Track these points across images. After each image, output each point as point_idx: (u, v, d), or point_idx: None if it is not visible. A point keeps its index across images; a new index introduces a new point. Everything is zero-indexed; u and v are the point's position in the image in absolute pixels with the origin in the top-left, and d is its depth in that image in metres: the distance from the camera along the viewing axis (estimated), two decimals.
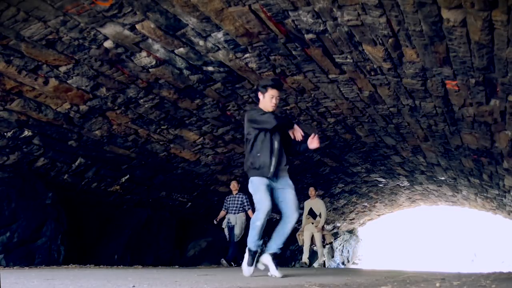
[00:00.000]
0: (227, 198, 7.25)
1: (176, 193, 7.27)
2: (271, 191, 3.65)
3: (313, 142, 3.77)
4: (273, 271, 3.50)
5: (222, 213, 7.18)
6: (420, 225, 20.50)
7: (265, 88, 3.57)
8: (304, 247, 8.01)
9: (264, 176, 3.56)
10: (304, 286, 2.72)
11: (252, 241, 3.58)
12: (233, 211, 7.09)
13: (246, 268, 3.61)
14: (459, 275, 4.38)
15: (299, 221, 6.60)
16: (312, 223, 7.81)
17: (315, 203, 7.88)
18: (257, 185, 3.58)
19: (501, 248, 17.79)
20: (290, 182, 3.73)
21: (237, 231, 7.00)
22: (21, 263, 4.84)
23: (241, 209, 7.06)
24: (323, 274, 4.39)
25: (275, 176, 3.62)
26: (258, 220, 3.55)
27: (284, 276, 3.52)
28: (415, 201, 12.28)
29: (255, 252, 3.61)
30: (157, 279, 3.18)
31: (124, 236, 6.49)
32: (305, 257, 7.95)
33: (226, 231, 7.17)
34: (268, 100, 3.56)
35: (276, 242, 3.63)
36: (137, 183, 6.52)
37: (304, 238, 8.05)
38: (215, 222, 7.09)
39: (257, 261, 3.65)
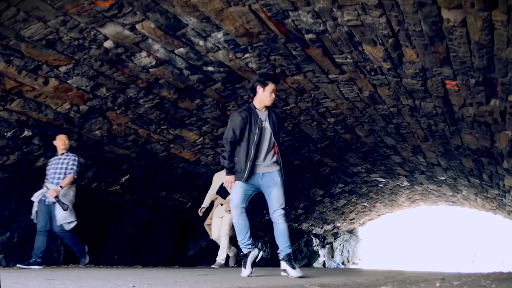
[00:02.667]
0: (49, 161, 4.99)
1: (176, 193, 7.27)
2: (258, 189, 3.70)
3: None
4: (291, 272, 3.46)
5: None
6: (420, 225, 20.51)
7: (265, 82, 3.61)
8: (218, 241, 5.90)
9: (241, 181, 3.63)
10: (304, 286, 2.72)
11: (240, 243, 3.64)
12: (54, 180, 4.83)
13: (242, 269, 3.65)
14: (459, 275, 4.38)
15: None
16: (222, 204, 5.70)
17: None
18: (235, 187, 3.66)
19: (501, 248, 17.80)
20: (276, 178, 3.62)
21: (59, 214, 4.70)
22: (21, 263, 4.83)
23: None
24: (323, 274, 4.39)
25: (261, 175, 3.63)
26: (232, 218, 3.67)
27: (302, 277, 3.41)
28: (415, 201, 12.28)
29: (246, 254, 3.62)
30: (157, 279, 3.18)
31: (124, 236, 6.48)
32: (222, 256, 5.86)
33: (35, 211, 4.79)
34: (268, 94, 3.62)
35: (280, 245, 3.60)
36: (137, 183, 6.51)
37: (213, 227, 5.82)
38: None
39: (254, 263, 3.66)
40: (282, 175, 3.66)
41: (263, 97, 3.63)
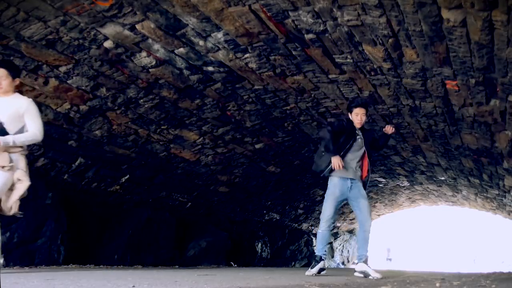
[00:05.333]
0: None
1: (176, 193, 7.26)
2: (345, 200, 4.28)
3: (388, 129, 4.37)
4: (373, 273, 3.93)
5: None
6: (420, 225, 20.53)
7: (350, 109, 4.28)
8: None
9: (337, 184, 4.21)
10: (304, 286, 2.72)
11: (317, 249, 4.26)
12: None
13: (309, 270, 4.19)
14: (459, 275, 4.38)
15: None
16: None
17: (10, 103, 3.36)
18: (327, 194, 4.24)
19: (501, 248, 17.81)
20: (363, 192, 4.25)
21: None
22: (21, 263, 4.83)
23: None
24: (323, 274, 4.39)
25: (350, 187, 4.20)
26: (319, 228, 4.22)
27: (383, 278, 3.89)
28: (415, 201, 12.28)
29: (319, 257, 4.17)
30: (157, 279, 3.18)
31: (124, 236, 6.48)
32: None
33: None
34: (354, 118, 4.24)
35: (362, 249, 4.16)
36: (137, 183, 6.51)
37: None
38: None
39: (320, 268, 4.19)
40: (365, 187, 4.30)
41: (353, 120, 4.25)
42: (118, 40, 3.93)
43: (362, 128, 4.31)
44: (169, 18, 3.63)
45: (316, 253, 4.23)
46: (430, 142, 6.54)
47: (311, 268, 4.18)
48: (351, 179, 4.20)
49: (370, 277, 3.88)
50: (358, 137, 4.25)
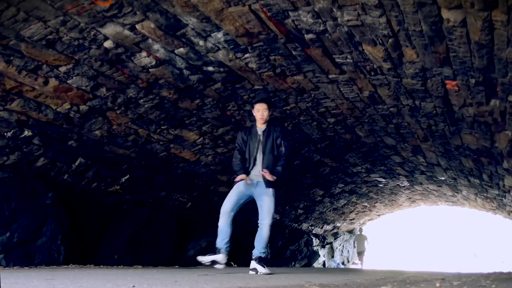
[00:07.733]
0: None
1: (176, 193, 7.27)
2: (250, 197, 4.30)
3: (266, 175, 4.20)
4: (260, 269, 4.02)
5: None
6: (420, 225, 20.55)
7: (252, 105, 4.39)
8: None
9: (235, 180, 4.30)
10: (304, 286, 2.72)
11: (216, 240, 4.20)
12: None
13: (202, 256, 4.17)
14: (459, 275, 4.38)
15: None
16: None
17: None
18: (231, 190, 4.32)
19: (501, 248, 17.82)
20: (265, 189, 4.18)
21: None
22: (21, 263, 4.84)
23: None
24: (323, 274, 4.40)
25: (255, 183, 4.23)
26: (219, 222, 4.22)
27: (270, 273, 3.99)
28: (415, 201, 12.28)
29: (218, 249, 4.14)
30: (157, 279, 3.18)
31: (124, 236, 6.48)
32: None
33: None
34: (256, 115, 4.35)
35: (257, 247, 4.19)
36: (137, 183, 6.52)
37: None
38: None
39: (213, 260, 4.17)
40: (274, 186, 4.19)
41: (256, 116, 4.37)
42: (118, 40, 3.94)
43: (268, 126, 4.34)
44: (169, 18, 3.63)
45: (216, 245, 4.18)
46: (430, 142, 6.54)
47: (207, 255, 4.16)
48: (257, 181, 4.23)
49: (258, 273, 3.97)
50: (260, 137, 4.30)
